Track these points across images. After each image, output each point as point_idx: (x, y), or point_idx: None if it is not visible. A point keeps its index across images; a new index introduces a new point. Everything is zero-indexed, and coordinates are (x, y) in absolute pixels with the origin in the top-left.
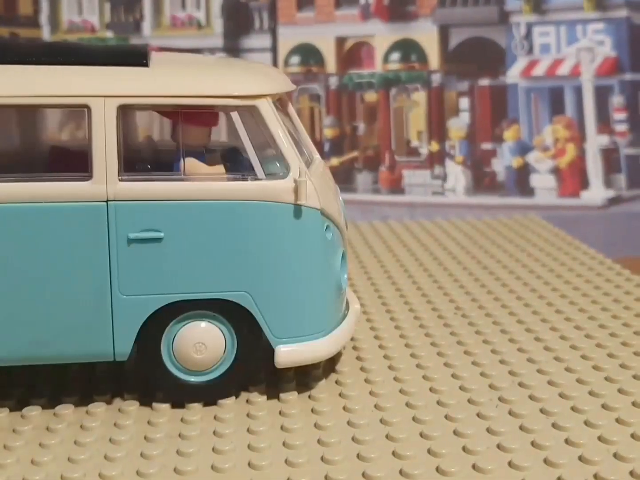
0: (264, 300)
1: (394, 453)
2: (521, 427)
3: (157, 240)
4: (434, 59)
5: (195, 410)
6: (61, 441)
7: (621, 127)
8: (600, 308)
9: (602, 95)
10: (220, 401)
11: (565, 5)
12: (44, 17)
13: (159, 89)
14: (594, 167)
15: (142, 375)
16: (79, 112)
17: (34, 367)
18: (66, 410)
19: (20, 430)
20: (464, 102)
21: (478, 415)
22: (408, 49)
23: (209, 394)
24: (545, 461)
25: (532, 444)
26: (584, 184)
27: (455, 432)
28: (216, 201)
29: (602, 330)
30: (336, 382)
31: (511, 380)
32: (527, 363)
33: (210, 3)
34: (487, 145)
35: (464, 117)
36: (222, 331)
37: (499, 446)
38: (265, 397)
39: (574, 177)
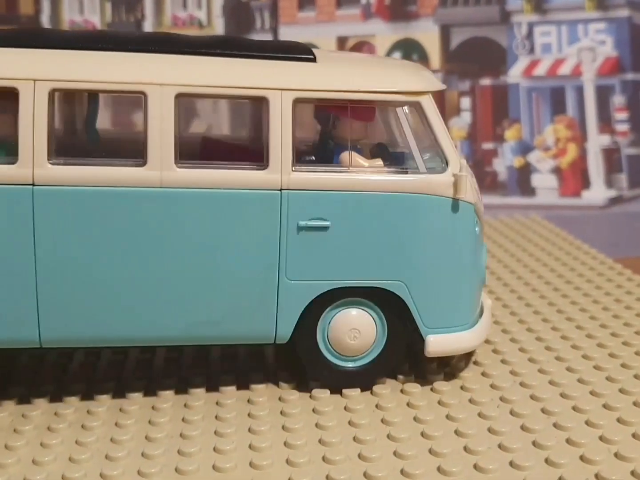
0: (418, 290)
1: (395, 453)
2: (522, 427)
3: (324, 228)
4: (435, 59)
5: (196, 410)
6: (62, 441)
7: (622, 127)
8: (602, 308)
9: (603, 95)
10: (220, 400)
11: (566, 5)
12: (45, 17)
13: (331, 83)
14: (595, 166)
15: (298, 360)
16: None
17: (34, 366)
18: (67, 409)
19: (22, 430)
20: (465, 102)
21: (479, 415)
22: (409, 48)
23: (360, 379)
24: (547, 461)
25: (534, 443)
26: (585, 183)
27: (456, 432)
28: (379, 193)
29: (603, 330)
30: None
31: (512, 380)
32: (528, 363)
33: (212, 3)
34: (488, 145)
35: (465, 117)
36: (373, 319)
37: (500, 446)
38: (266, 397)
39: (575, 177)
